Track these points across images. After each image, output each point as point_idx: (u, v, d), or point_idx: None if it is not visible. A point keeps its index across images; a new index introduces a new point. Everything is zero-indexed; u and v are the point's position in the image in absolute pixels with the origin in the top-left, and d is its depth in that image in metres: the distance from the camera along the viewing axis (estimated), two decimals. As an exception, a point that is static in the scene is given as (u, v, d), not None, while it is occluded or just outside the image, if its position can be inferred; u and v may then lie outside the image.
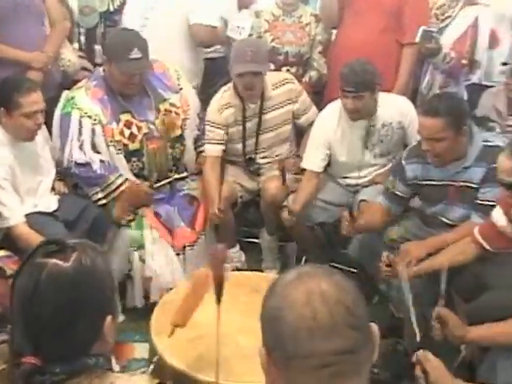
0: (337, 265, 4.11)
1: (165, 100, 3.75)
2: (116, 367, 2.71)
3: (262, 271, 3.98)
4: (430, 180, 3.34)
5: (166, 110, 3.73)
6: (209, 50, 4.55)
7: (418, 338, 2.48)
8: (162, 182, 3.76)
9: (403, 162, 3.41)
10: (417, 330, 2.51)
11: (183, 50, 4.28)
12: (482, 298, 2.82)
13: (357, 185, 3.89)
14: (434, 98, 3.51)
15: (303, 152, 3.98)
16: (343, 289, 1.22)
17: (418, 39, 3.97)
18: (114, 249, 3.54)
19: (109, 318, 1.48)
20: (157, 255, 3.53)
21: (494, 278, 2.91)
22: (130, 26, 3.96)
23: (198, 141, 3.98)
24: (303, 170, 3.92)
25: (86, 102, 3.56)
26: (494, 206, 3.00)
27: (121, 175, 3.57)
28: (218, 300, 2.17)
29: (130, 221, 3.57)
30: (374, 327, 1.27)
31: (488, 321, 2.53)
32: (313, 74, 4.45)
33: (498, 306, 2.63)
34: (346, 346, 1.17)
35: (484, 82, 4.53)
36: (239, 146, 4.06)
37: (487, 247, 2.99)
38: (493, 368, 2.53)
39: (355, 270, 3.98)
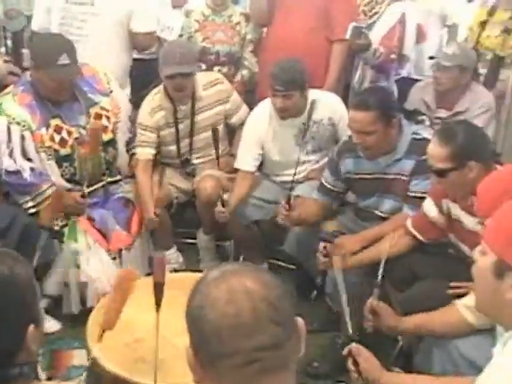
0: (275, 262, 4.15)
1: (95, 104, 3.70)
2: (43, 375, 2.66)
3: (200, 271, 3.96)
4: (362, 173, 3.38)
5: (96, 113, 3.68)
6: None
7: (350, 331, 2.50)
8: (95, 186, 3.69)
9: (336, 157, 3.45)
10: (349, 323, 2.53)
11: (119, 52, 4.22)
12: (414, 288, 2.87)
13: (292, 181, 3.90)
14: (364, 92, 3.57)
15: (236, 151, 3.99)
16: (267, 285, 1.21)
17: (348, 36, 4.02)
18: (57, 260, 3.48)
19: (31, 327, 1.45)
20: (92, 260, 3.47)
21: (426, 267, 2.96)
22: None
23: (130, 143, 3.92)
24: (237, 170, 3.92)
25: (13, 107, 3.48)
26: (424, 198, 3.06)
27: (53, 185, 3.50)
28: (158, 306, 2.15)
29: (63, 226, 3.51)
30: (300, 321, 1.27)
31: (421, 310, 2.57)
32: (244, 73, 4.47)
33: (430, 295, 2.69)
34: (270, 341, 1.17)
35: (413, 76, 4.62)
36: (173, 147, 4.04)
37: (420, 238, 3.05)
38: (428, 356, 2.57)
39: (293, 267, 4.01)
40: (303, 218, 3.47)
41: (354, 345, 2.26)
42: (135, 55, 4.46)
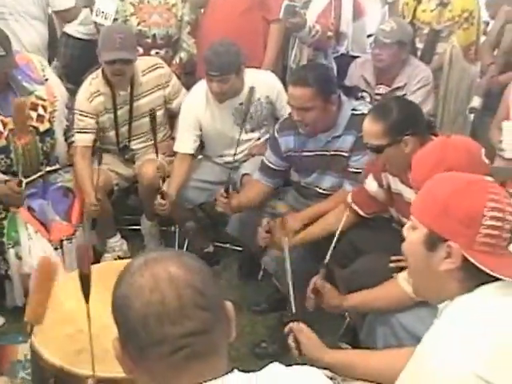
0: (221, 244, 4.14)
1: (31, 93, 3.61)
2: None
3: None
4: (303, 151, 3.38)
5: (32, 103, 3.59)
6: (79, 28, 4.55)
7: (293, 310, 2.50)
8: (33, 177, 3.62)
9: (276, 135, 3.45)
10: (292, 302, 2.53)
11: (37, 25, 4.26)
12: (357, 263, 2.89)
13: (234, 161, 3.89)
14: (302, 68, 3.56)
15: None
16: (192, 270, 1.20)
17: (281, 14, 3.99)
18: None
19: None
20: (34, 251, 3.41)
21: (369, 242, 2.98)
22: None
23: (69, 132, 3.85)
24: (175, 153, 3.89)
25: None
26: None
27: None
28: (86, 298, 2.10)
29: (3, 219, 3.44)
30: (229, 305, 1.27)
31: (364, 285, 2.59)
32: (183, 55, 4.42)
33: (372, 270, 2.70)
34: (197, 327, 1.16)
35: (351, 53, 4.62)
36: (112, 134, 3.99)
37: (361, 213, 3.06)
38: (372, 332, 2.59)
39: (239, 248, 4.01)
40: (243, 204, 3.45)
41: (294, 323, 2.25)
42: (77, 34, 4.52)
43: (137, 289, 1.18)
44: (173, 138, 4.06)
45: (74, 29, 4.71)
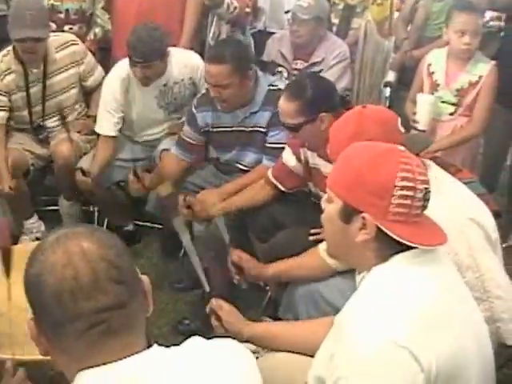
0: (141, 222, 4.11)
1: None
2: None
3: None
4: (221, 126, 3.37)
5: None
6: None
7: (206, 289, 2.51)
8: None
9: (194, 110, 3.43)
10: (203, 280, 2.53)
11: None
12: (277, 237, 2.91)
13: (155, 140, 3.86)
14: (218, 44, 3.54)
15: (93, 112, 3.88)
16: (105, 245, 1.19)
17: None
18: None
19: None
20: None
21: (288, 217, 3.01)
22: None
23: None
24: (98, 134, 3.81)
25: None
26: (283, 149, 3.09)
27: None
28: (7, 273, 2.06)
29: None
30: (146, 279, 1.26)
31: (283, 258, 2.61)
32: (97, 30, 4.32)
33: (292, 243, 2.73)
34: (112, 301, 1.15)
35: (269, 29, 4.62)
36: (25, 113, 3.87)
37: (281, 188, 3.08)
38: (293, 304, 2.62)
39: (160, 226, 3.99)
40: (158, 182, 3.43)
41: (213, 300, 2.25)
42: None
43: (49, 266, 1.16)
44: (88, 116, 3.98)
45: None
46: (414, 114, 3.65)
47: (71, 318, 1.14)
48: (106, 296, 1.15)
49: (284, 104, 2.74)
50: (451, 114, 3.67)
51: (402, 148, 1.64)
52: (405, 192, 1.54)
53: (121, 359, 1.16)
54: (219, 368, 1.25)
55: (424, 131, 3.63)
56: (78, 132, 3.84)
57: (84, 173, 3.61)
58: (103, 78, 3.89)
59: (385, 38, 4.60)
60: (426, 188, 1.58)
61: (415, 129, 3.65)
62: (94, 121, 3.85)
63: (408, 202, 1.55)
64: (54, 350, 1.20)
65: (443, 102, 3.66)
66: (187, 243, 2.80)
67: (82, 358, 1.17)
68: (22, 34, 3.53)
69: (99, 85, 3.89)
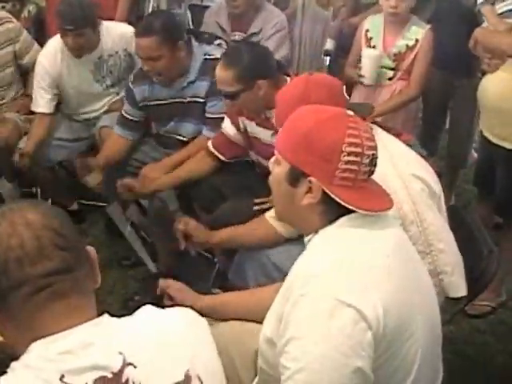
0: (85, 202, 4.07)
1: None
2: None
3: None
4: (158, 99, 3.34)
5: None
6: None
7: (152, 270, 2.50)
8: None
9: (131, 85, 3.39)
10: (146, 259, 2.52)
11: None
12: (221, 208, 2.92)
13: (95, 118, 3.81)
14: (147, 17, 3.47)
15: (30, 91, 3.81)
16: (49, 215, 1.23)
17: None
18: None
19: None
20: None
21: (232, 187, 3.02)
22: None
23: None
24: (34, 112, 3.75)
25: None
26: (222, 119, 3.09)
27: None
28: None
29: None
30: (92, 250, 1.30)
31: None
32: (31, 8, 4.25)
33: (237, 214, 2.73)
34: (56, 266, 1.18)
35: (205, 3, 4.58)
36: None
37: (222, 158, 3.08)
38: (242, 272, 2.63)
39: (104, 204, 3.95)
40: (103, 164, 3.40)
41: (161, 281, 2.25)
42: None
43: None
44: (27, 96, 3.91)
45: None
46: (359, 68, 3.68)
47: (17, 284, 1.16)
48: (52, 261, 1.18)
49: (220, 72, 2.73)
50: (390, 79, 3.71)
51: (351, 113, 1.64)
52: (352, 158, 1.55)
53: (71, 327, 1.18)
54: (172, 332, 1.27)
55: (370, 85, 3.68)
56: (17, 112, 3.76)
57: (21, 154, 3.55)
58: None
59: (323, 7, 4.63)
60: (373, 154, 1.59)
61: (361, 83, 3.69)
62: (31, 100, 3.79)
63: (355, 167, 1.56)
64: (3, 321, 1.21)
65: (382, 67, 3.70)
66: (124, 229, 2.78)
67: (31, 325, 1.19)
68: None
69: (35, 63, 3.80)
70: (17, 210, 1.22)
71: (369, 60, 3.65)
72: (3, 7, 4.10)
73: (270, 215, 2.50)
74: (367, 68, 3.65)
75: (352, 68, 3.80)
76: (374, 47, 3.71)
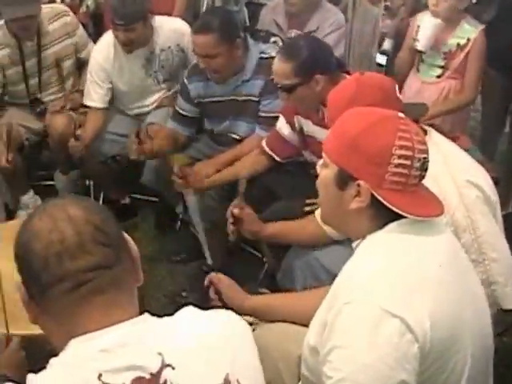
0: (137, 196, 4.10)
1: None
2: None
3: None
4: (213, 96, 3.34)
5: None
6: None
7: (209, 260, 2.49)
8: None
9: (186, 81, 3.39)
10: (207, 252, 2.52)
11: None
12: (272, 208, 2.90)
13: (147, 113, 3.83)
14: (205, 14, 3.48)
15: (83, 86, 3.86)
16: (91, 210, 1.22)
17: None
18: None
19: None
20: None
21: (284, 187, 3.00)
22: None
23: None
24: (86, 106, 3.79)
25: None
26: (276, 118, 3.06)
27: None
28: None
29: None
30: (134, 247, 1.29)
31: None
32: (89, 3, 4.31)
33: (287, 214, 2.70)
34: (97, 261, 1.18)
35: (261, 1, 4.56)
36: (21, 87, 3.85)
37: (276, 158, 3.06)
38: (290, 274, 2.61)
39: (156, 199, 3.97)
40: (156, 149, 3.38)
41: (213, 274, 2.23)
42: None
43: (36, 232, 1.19)
44: (77, 91, 3.94)
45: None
46: (416, 32, 3.61)
47: (57, 279, 1.16)
48: (92, 256, 1.18)
49: (279, 64, 2.70)
50: (438, 77, 3.65)
51: (402, 115, 1.61)
52: (402, 161, 1.52)
53: (110, 324, 1.17)
54: (212, 334, 1.24)
55: (423, 52, 3.61)
56: (72, 110, 3.80)
57: (77, 138, 3.59)
58: None
59: (374, 5, 4.57)
60: (424, 158, 1.55)
61: (415, 48, 3.63)
62: (82, 95, 3.84)
63: (405, 171, 1.53)
64: (42, 315, 1.22)
65: (431, 64, 3.64)
66: (196, 219, 2.77)
67: (70, 321, 1.18)
68: (13, 14, 3.51)
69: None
70: (59, 205, 1.22)
71: (427, 26, 3.56)
72: (63, 1, 4.15)
73: (319, 214, 2.47)
74: (424, 33, 3.57)
75: (403, 63, 3.75)
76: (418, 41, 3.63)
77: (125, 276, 1.23)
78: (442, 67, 3.63)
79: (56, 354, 1.19)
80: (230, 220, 2.63)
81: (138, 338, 1.17)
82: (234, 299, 2.14)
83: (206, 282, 2.23)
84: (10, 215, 3.82)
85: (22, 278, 1.22)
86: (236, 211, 2.61)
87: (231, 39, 3.10)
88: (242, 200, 2.65)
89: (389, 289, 1.43)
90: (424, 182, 1.62)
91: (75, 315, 1.18)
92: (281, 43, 4.05)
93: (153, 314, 1.25)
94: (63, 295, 1.17)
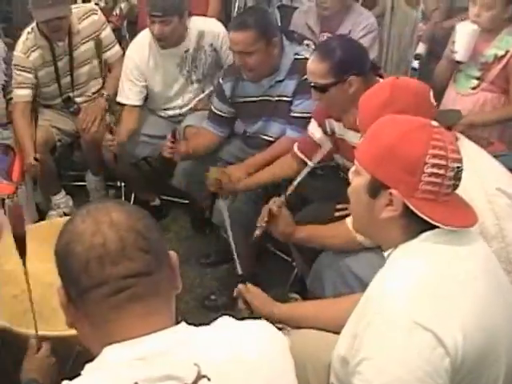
0: (168, 198, 4.11)
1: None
2: None
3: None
4: (247, 96, 3.35)
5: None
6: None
7: (239, 271, 2.49)
8: (-28, 135, 3.54)
9: (221, 81, 3.41)
10: (237, 261, 2.51)
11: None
12: (303, 212, 2.89)
13: (180, 115, 3.84)
14: (242, 13, 3.48)
15: (107, 91, 3.91)
16: (133, 216, 1.22)
17: None
18: None
19: None
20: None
21: (315, 191, 2.99)
22: None
23: (7, 88, 3.75)
24: (122, 105, 3.80)
25: None
26: (307, 118, 3.05)
27: None
28: (23, 258, 2.05)
29: None
30: (173, 254, 1.28)
31: None
32: (123, 6, 4.33)
33: (319, 218, 2.69)
34: (138, 268, 1.17)
35: (294, 4, 4.55)
36: (53, 87, 3.88)
37: (308, 162, 3.04)
38: (320, 279, 2.60)
39: (187, 201, 3.98)
40: (191, 150, 3.41)
41: (240, 285, 2.24)
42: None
43: (78, 234, 1.19)
44: (101, 95, 3.95)
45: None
46: (453, 43, 3.53)
47: (97, 283, 1.16)
48: (133, 263, 1.17)
49: (314, 63, 2.69)
50: (473, 89, 3.57)
51: (435, 123, 1.59)
52: (436, 170, 1.50)
53: (147, 333, 1.17)
54: (249, 347, 1.23)
55: (462, 62, 3.54)
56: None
57: (112, 131, 3.62)
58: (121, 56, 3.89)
59: (412, 7, 4.53)
60: (458, 167, 1.54)
61: (454, 60, 3.55)
62: (107, 100, 3.87)
63: (438, 180, 1.51)
64: (80, 319, 1.21)
65: (467, 75, 3.57)
66: (228, 224, 2.78)
67: (108, 326, 1.18)
68: (45, 16, 3.54)
69: (115, 63, 3.92)
70: (102, 209, 1.22)
71: (464, 35, 3.48)
72: (97, 4, 4.17)
73: (350, 221, 2.46)
74: (461, 43, 3.48)
75: (442, 72, 3.69)
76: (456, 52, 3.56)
77: (164, 283, 1.22)
78: (477, 78, 3.55)
79: (83, 356, 1.20)
80: (265, 218, 2.63)
81: (175, 347, 1.16)
82: (263, 309, 2.14)
83: (235, 293, 2.24)
84: (42, 215, 3.85)
85: (62, 279, 1.22)
86: (275, 208, 2.61)
87: (268, 37, 3.11)
88: (284, 200, 2.66)
89: (421, 301, 1.42)
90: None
91: (113, 321, 1.18)
92: (313, 47, 4.05)
93: (184, 318, 1.25)
94: (102, 300, 1.17)
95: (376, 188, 1.56)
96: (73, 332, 1.29)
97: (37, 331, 2.00)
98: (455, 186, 1.57)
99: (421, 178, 1.50)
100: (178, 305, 1.27)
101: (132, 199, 4.03)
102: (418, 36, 4.51)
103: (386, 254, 1.62)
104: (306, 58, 2.97)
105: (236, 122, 3.55)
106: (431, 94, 2.22)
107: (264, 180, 3.10)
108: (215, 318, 1.29)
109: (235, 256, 2.56)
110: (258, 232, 2.69)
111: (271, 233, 2.68)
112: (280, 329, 1.97)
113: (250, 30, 3.07)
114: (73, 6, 3.76)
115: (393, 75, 2.37)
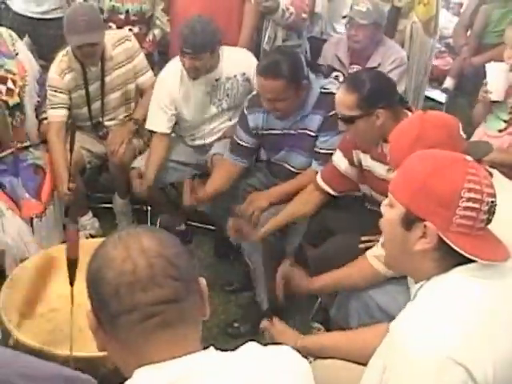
0: (194, 223, 4.12)
1: (0, 66, 3.55)
2: None
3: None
4: (271, 129, 3.36)
5: (1, 76, 3.53)
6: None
7: (265, 306, 2.52)
8: (4, 153, 3.57)
9: (245, 111, 3.41)
10: (264, 299, 2.54)
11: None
12: (328, 243, 2.89)
13: (208, 144, 3.85)
14: (272, 56, 3.31)
15: (136, 115, 3.96)
16: (164, 243, 1.23)
17: None
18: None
19: None
20: (7, 228, 3.36)
21: (340, 222, 2.98)
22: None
23: (40, 108, 3.80)
24: (151, 132, 3.83)
25: None
26: (332, 155, 3.06)
27: None
28: (71, 282, 2.08)
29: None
30: (202, 281, 1.30)
31: (335, 264, 2.61)
32: (156, 32, 4.37)
33: (342, 251, 2.71)
34: (167, 295, 1.19)
35: (325, 36, 4.58)
36: (84, 110, 3.92)
37: (332, 192, 3.05)
38: (345, 310, 2.60)
39: (212, 227, 3.99)
40: (211, 194, 3.43)
41: (264, 322, 2.29)
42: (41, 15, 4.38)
43: (109, 260, 1.21)
44: (130, 119, 3.99)
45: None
46: (485, 84, 3.54)
47: (127, 310, 1.18)
48: (162, 290, 1.19)
49: (342, 95, 2.71)
50: (500, 131, 3.58)
51: (469, 158, 1.61)
52: (471, 204, 1.52)
53: (176, 357, 1.18)
54: (275, 374, 1.25)
55: (498, 102, 3.53)
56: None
57: (140, 175, 3.64)
58: (154, 82, 3.91)
59: (430, 36, 4.57)
60: (492, 201, 1.56)
61: (489, 101, 3.56)
62: (135, 124, 3.92)
63: (473, 214, 1.53)
64: (110, 342, 1.23)
65: (497, 116, 3.58)
66: (254, 258, 2.81)
67: (137, 350, 1.20)
68: (78, 42, 3.59)
69: (148, 88, 3.94)
70: (134, 235, 1.24)
71: (495, 74, 3.50)
72: (130, 30, 4.22)
73: (371, 254, 2.48)
74: (494, 82, 3.51)
75: (479, 115, 3.69)
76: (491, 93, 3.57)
77: (192, 310, 1.24)
78: (505, 121, 3.56)
79: (106, 379, 1.21)
80: (281, 281, 2.70)
81: (202, 372, 1.18)
82: (285, 342, 2.15)
83: (260, 328, 2.29)
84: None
85: (92, 304, 1.24)
86: (286, 271, 2.68)
87: (298, 82, 3.11)
88: (291, 261, 2.74)
89: (453, 335, 1.42)
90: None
91: (142, 345, 1.19)
92: (342, 78, 4.08)
93: (207, 345, 1.26)
94: (131, 326, 1.18)
95: (410, 220, 1.57)
96: (101, 354, 1.31)
97: (71, 351, 2.02)
98: (488, 221, 1.58)
99: (456, 211, 1.52)
100: (201, 331, 1.28)
101: (158, 223, 4.04)
102: (445, 70, 4.53)
103: (417, 285, 1.63)
104: (332, 93, 3.00)
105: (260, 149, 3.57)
106: (460, 127, 2.24)
107: (283, 222, 3.12)
108: (238, 346, 1.30)
109: (263, 291, 2.59)
110: (279, 293, 2.75)
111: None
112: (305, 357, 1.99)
113: (282, 79, 3.05)
114: (107, 32, 3.81)
115: (412, 104, 2.39)
